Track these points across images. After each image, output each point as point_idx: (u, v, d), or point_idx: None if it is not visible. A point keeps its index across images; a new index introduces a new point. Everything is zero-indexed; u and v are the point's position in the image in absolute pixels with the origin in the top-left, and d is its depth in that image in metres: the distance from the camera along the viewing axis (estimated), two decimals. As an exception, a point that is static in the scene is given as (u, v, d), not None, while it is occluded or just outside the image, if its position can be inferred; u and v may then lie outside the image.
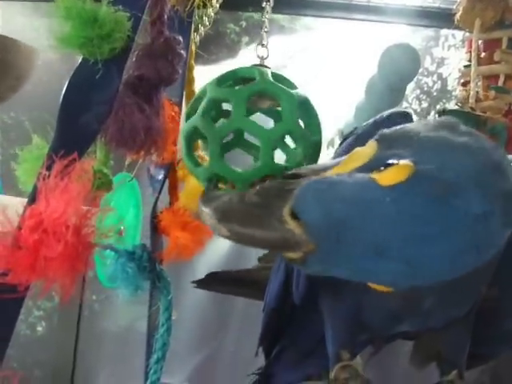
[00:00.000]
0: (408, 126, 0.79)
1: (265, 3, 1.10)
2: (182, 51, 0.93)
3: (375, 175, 0.68)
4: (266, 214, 0.70)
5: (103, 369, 2.43)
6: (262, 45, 1.02)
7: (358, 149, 0.75)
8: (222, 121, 0.90)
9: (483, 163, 0.69)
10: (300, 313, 1.01)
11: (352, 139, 0.94)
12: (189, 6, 1.08)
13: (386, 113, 0.93)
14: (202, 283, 1.35)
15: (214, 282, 1.34)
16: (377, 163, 0.70)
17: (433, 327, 0.91)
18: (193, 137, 0.90)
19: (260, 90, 0.88)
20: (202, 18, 1.49)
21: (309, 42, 2.44)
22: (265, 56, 1.00)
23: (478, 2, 1.56)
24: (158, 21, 0.90)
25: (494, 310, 0.92)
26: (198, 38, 1.52)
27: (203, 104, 0.87)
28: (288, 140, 0.91)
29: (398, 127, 0.79)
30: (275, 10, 2.33)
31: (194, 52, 1.28)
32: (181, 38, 0.94)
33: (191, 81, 1.24)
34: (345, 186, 0.68)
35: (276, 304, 1.03)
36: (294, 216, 0.68)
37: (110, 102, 0.88)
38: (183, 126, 0.90)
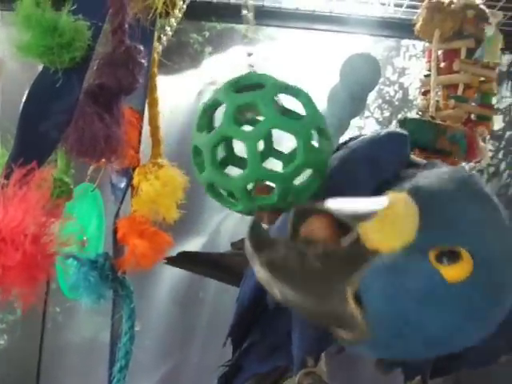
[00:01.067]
0: (440, 188, 0.76)
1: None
2: (143, 60, 0.93)
3: (440, 268, 0.68)
4: (328, 286, 0.68)
5: (68, 381, 2.41)
6: (250, 54, 1.04)
7: (392, 201, 0.72)
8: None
9: None
10: (272, 311, 1.01)
11: (346, 154, 0.94)
12: (151, 15, 1.08)
13: (382, 132, 0.94)
14: (172, 261, 1.33)
15: (185, 260, 1.33)
16: (428, 245, 0.69)
17: None
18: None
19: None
20: (165, 27, 1.49)
21: (272, 51, 2.45)
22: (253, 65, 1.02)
23: (437, 13, 1.59)
24: (118, 30, 0.90)
25: None
26: (160, 48, 1.53)
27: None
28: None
29: (428, 185, 0.76)
30: (238, 20, 2.37)
31: (156, 60, 1.28)
32: (142, 47, 0.94)
33: (153, 88, 1.23)
34: (411, 278, 0.68)
35: (249, 303, 1.03)
36: (357, 299, 0.67)
37: (70, 110, 0.88)
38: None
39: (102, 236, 1.20)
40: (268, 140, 0.97)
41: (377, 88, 2.40)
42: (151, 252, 1.10)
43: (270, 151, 0.99)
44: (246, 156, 0.87)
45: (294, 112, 0.91)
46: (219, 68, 2.39)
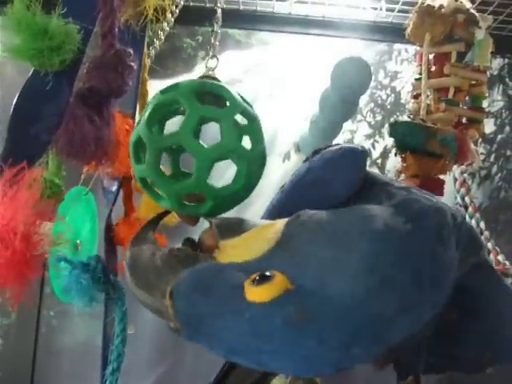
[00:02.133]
0: (314, 222, 0.78)
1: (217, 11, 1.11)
2: (133, 63, 0.94)
3: (247, 284, 0.70)
4: (156, 283, 0.75)
5: (62, 384, 2.42)
6: (213, 56, 1.03)
7: (272, 224, 0.80)
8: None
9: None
10: None
11: (303, 172, 0.93)
12: (141, 21, 1.09)
13: (338, 151, 0.90)
14: None
15: None
16: (262, 265, 0.73)
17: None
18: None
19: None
20: (157, 32, 1.50)
21: (264, 56, 2.46)
22: (214, 67, 1.01)
23: (428, 17, 1.60)
24: (108, 33, 0.91)
25: (451, 334, 0.92)
26: (153, 53, 1.54)
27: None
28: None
29: (307, 217, 0.79)
30: (231, 24, 2.38)
31: (147, 66, 1.29)
32: (131, 51, 0.95)
33: (144, 94, 1.24)
34: (218, 286, 0.71)
35: None
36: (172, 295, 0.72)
37: (60, 113, 0.88)
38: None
39: (95, 239, 1.21)
40: None
41: (369, 92, 2.42)
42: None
43: None
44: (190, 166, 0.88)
45: (243, 133, 0.91)
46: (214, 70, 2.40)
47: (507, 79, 2.43)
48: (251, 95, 2.43)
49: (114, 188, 1.17)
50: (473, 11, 1.64)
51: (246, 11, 2.33)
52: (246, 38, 2.47)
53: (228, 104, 0.90)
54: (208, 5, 2.09)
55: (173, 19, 1.53)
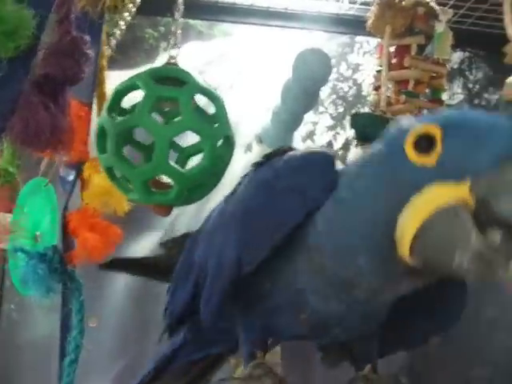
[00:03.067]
0: None
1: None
2: (89, 51, 0.92)
3: None
4: None
5: (24, 378, 2.39)
6: (174, 45, 1.03)
7: None
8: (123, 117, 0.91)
9: None
10: None
11: (271, 180, 0.90)
12: (99, 8, 1.08)
13: (305, 158, 0.89)
14: (106, 266, 1.30)
15: (118, 265, 1.26)
16: None
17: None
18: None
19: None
20: (118, 22, 1.49)
21: (227, 47, 2.46)
22: (176, 55, 1.01)
23: (388, 9, 1.61)
24: (65, 20, 0.90)
25: (400, 317, 0.94)
26: (113, 43, 1.52)
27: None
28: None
29: None
30: (193, 15, 2.37)
31: (105, 53, 1.27)
32: (88, 38, 0.93)
33: (102, 82, 1.23)
34: None
35: (181, 315, 1.05)
36: None
37: (15, 100, 0.87)
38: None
39: (55, 231, 1.20)
40: None
41: (331, 84, 2.43)
42: (102, 245, 1.10)
43: (173, 144, 0.97)
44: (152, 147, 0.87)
45: (206, 115, 0.91)
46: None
47: (467, 73, 2.46)
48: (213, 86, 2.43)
49: (71, 177, 1.16)
50: (433, 4, 1.65)
51: (208, 2, 2.32)
52: (208, 29, 2.47)
53: (187, 84, 0.90)
54: (170, -5, 2.08)
55: (134, 9, 1.52)
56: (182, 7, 1.11)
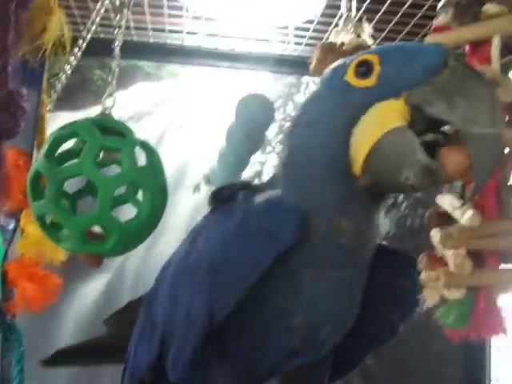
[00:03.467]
0: None
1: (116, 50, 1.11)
2: (25, 104, 0.92)
3: None
4: None
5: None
6: (109, 95, 1.03)
7: None
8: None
9: None
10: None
11: (240, 225, 0.92)
12: (40, 56, 1.08)
13: (269, 202, 0.92)
14: (49, 362, 1.22)
15: (62, 358, 1.23)
16: None
17: (322, 356, 1.00)
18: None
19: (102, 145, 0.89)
20: (63, 65, 1.49)
21: (175, 88, 2.47)
22: (111, 105, 1.01)
23: (330, 53, 1.63)
24: (2, 73, 0.90)
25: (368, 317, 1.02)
26: (59, 86, 1.52)
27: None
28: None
29: None
30: (141, 56, 2.38)
31: (45, 102, 1.27)
32: (25, 91, 0.93)
33: (42, 130, 1.23)
34: None
35: (146, 375, 1.02)
36: None
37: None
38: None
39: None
40: None
41: (277, 124, 2.45)
42: (40, 295, 1.09)
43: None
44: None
45: (145, 167, 0.92)
46: (122, 105, 2.38)
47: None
48: (161, 127, 2.43)
49: (11, 226, 1.15)
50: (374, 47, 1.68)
51: (155, 43, 2.34)
52: (156, 70, 2.48)
53: (127, 137, 0.91)
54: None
55: (79, 53, 1.53)
56: (118, 57, 1.11)
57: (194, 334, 0.91)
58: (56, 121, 2.19)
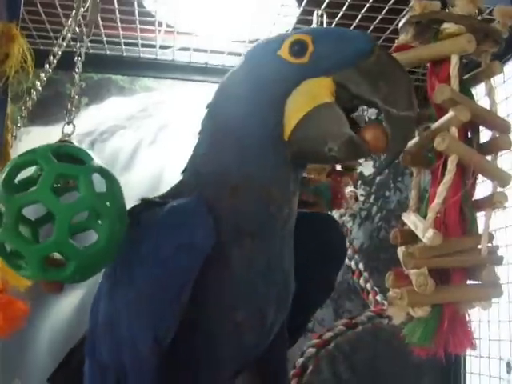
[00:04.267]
0: None
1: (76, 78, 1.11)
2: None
3: None
4: None
5: None
6: (69, 122, 1.04)
7: None
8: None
9: None
10: None
11: (159, 239, 0.92)
12: (2, 83, 1.08)
13: (180, 214, 0.93)
14: None
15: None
16: None
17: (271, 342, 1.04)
18: None
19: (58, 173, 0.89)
20: (34, 82, 1.49)
21: (148, 102, 2.47)
22: (70, 132, 1.02)
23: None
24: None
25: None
26: (30, 103, 1.52)
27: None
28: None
29: None
30: (115, 71, 2.38)
31: (9, 127, 1.26)
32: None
33: (7, 156, 1.22)
34: None
35: None
36: None
37: None
38: None
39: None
40: None
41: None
42: (5, 322, 1.09)
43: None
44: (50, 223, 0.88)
45: (103, 194, 0.92)
46: (96, 119, 2.38)
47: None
48: (135, 141, 2.43)
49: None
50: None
51: (129, 57, 2.35)
52: (130, 85, 2.47)
53: (85, 163, 0.91)
54: (91, 51, 2.09)
55: (50, 69, 1.53)
56: (78, 84, 1.11)
57: (147, 364, 0.91)
58: (29, 135, 2.20)
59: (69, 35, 1.53)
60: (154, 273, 0.90)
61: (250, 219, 0.95)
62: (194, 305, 0.91)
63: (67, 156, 0.92)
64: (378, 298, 1.88)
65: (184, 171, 1.03)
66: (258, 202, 0.94)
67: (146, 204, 0.98)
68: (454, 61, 1.01)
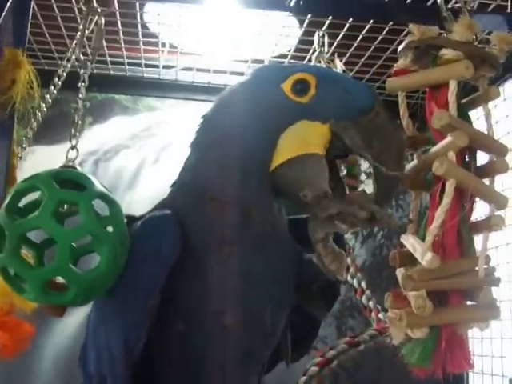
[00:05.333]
0: None
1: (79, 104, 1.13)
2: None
3: None
4: None
5: None
6: (73, 148, 1.06)
7: None
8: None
9: None
10: None
11: (132, 249, 0.96)
12: (9, 109, 1.10)
13: (147, 223, 0.98)
14: None
15: None
16: None
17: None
18: None
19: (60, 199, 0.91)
20: (39, 103, 1.51)
21: (152, 122, 2.49)
22: (74, 158, 1.04)
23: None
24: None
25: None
26: (35, 124, 1.54)
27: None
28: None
29: None
30: (118, 90, 2.40)
31: (16, 152, 1.29)
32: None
33: (13, 181, 1.24)
34: None
35: None
36: None
37: None
38: None
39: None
40: None
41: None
42: (13, 343, 1.10)
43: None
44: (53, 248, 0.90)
45: (104, 219, 0.94)
46: (100, 138, 2.40)
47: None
48: (138, 160, 2.45)
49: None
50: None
51: (132, 77, 2.38)
52: (133, 104, 2.50)
53: (86, 189, 0.93)
54: (95, 71, 2.11)
55: (55, 91, 1.55)
56: (81, 111, 1.12)
57: (120, 371, 0.94)
58: (34, 154, 2.22)
59: (73, 57, 1.54)
60: (124, 280, 0.94)
61: (221, 231, 0.98)
62: (180, 315, 0.96)
63: (69, 181, 0.94)
64: (381, 315, 1.88)
65: (173, 185, 1.06)
66: (234, 215, 0.97)
67: (127, 219, 1.00)
68: (452, 86, 1.03)
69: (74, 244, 0.90)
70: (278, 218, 1.02)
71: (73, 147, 1.06)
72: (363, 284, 1.96)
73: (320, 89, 0.97)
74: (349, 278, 1.92)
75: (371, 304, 1.92)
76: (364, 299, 1.94)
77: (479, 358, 2.00)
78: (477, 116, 1.12)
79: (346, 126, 0.95)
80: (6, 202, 0.90)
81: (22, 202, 0.94)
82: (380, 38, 1.98)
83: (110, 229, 0.92)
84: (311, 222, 0.98)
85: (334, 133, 0.96)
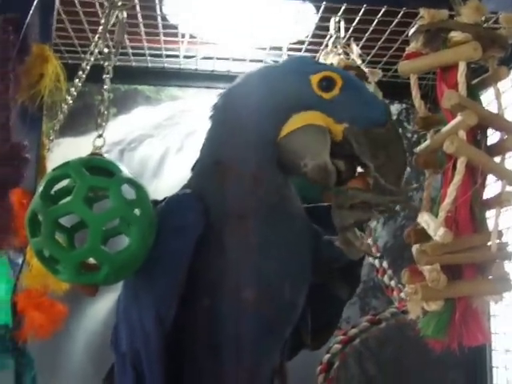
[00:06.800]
0: None
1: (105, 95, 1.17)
2: (28, 155, 0.98)
3: None
4: None
5: None
6: (99, 136, 1.09)
7: None
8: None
9: None
10: None
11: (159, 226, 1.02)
12: (38, 102, 1.14)
13: (172, 200, 1.05)
14: None
15: None
16: None
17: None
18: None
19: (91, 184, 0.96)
20: (65, 97, 1.55)
21: (174, 111, 2.53)
22: (101, 145, 1.08)
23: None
24: (3, 128, 0.95)
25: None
26: (61, 116, 1.59)
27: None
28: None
29: None
30: (141, 81, 2.44)
31: (45, 143, 1.33)
32: (26, 142, 0.98)
33: (43, 170, 1.28)
34: None
35: None
36: None
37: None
38: None
39: (8, 310, 1.24)
40: None
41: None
42: (48, 323, 1.15)
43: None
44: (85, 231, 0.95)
45: (133, 203, 0.98)
46: (124, 128, 2.45)
47: (405, 123, 2.56)
48: (162, 149, 2.49)
49: (20, 260, 1.22)
50: (362, 67, 1.74)
51: (154, 68, 2.42)
52: (156, 94, 2.54)
53: (115, 175, 0.98)
54: (118, 63, 2.15)
55: (80, 83, 1.59)
56: (107, 102, 1.16)
57: (154, 343, 0.99)
58: (60, 146, 2.26)
59: (96, 51, 1.58)
60: (154, 258, 0.99)
61: (238, 202, 1.03)
62: (201, 288, 1.00)
63: (98, 168, 0.99)
64: (402, 295, 1.91)
65: (194, 164, 1.13)
66: (244, 186, 1.03)
67: (152, 203, 1.04)
68: (462, 68, 1.05)
69: (104, 227, 0.95)
70: (285, 191, 1.07)
71: (100, 135, 1.10)
72: (385, 264, 1.99)
73: (344, 92, 1.02)
74: (371, 259, 1.95)
75: (393, 283, 1.95)
76: (386, 279, 1.96)
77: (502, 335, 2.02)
78: (487, 101, 1.15)
79: (358, 133, 1.00)
80: (40, 190, 0.95)
81: (54, 190, 0.99)
82: (395, 21, 2.00)
83: (137, 211, 0.97)
84: (336, 211, 1.03)
85: (344, 136, 1.01)
